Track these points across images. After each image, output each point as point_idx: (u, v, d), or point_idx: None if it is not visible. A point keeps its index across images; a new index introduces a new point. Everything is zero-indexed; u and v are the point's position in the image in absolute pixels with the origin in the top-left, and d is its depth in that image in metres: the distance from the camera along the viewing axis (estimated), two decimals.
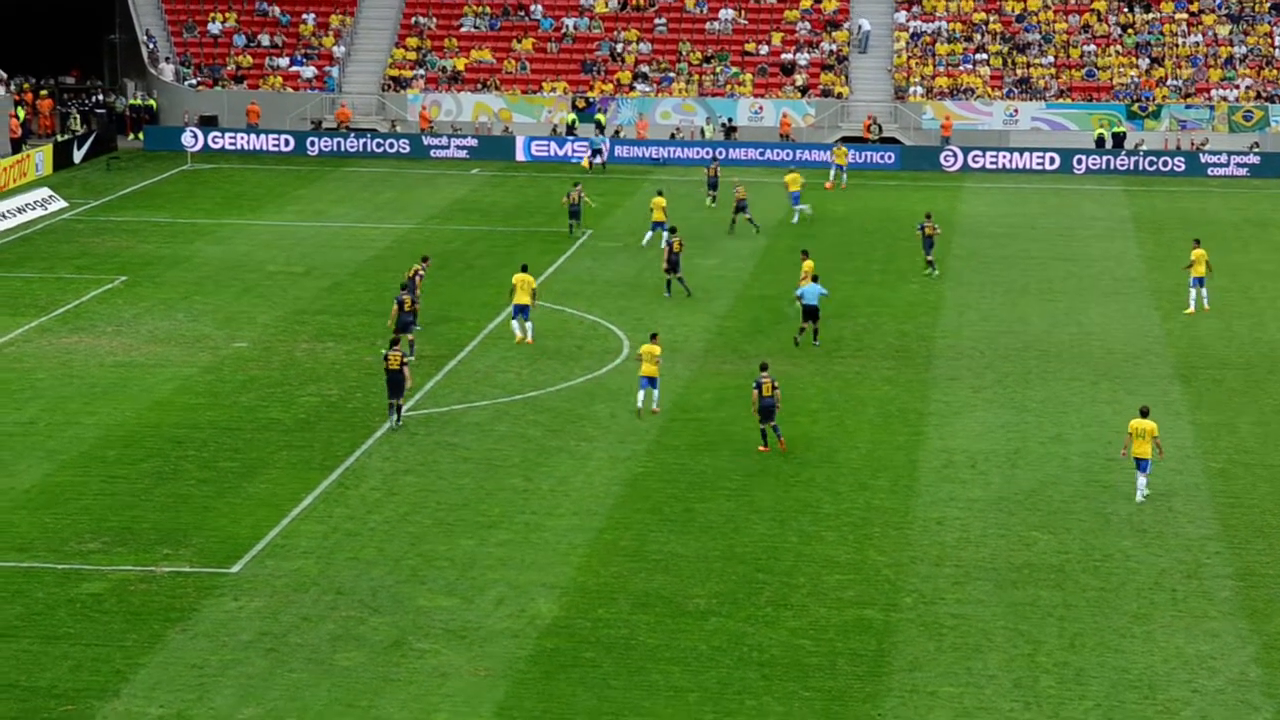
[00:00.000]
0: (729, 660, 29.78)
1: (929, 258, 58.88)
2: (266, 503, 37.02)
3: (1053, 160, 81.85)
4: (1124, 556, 34.56)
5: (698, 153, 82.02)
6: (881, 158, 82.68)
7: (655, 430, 42.19)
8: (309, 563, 33.76)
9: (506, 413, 43.55)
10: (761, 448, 40.46)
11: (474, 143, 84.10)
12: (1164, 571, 33.85)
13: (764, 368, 41.02)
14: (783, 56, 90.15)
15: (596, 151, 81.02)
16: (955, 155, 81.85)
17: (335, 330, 51.42)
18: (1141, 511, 36.93)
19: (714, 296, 55.42)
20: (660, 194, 63.45)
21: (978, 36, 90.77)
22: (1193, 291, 54.30)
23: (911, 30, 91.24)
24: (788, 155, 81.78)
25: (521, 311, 49.24)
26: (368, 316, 52.81)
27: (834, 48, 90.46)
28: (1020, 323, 53.16)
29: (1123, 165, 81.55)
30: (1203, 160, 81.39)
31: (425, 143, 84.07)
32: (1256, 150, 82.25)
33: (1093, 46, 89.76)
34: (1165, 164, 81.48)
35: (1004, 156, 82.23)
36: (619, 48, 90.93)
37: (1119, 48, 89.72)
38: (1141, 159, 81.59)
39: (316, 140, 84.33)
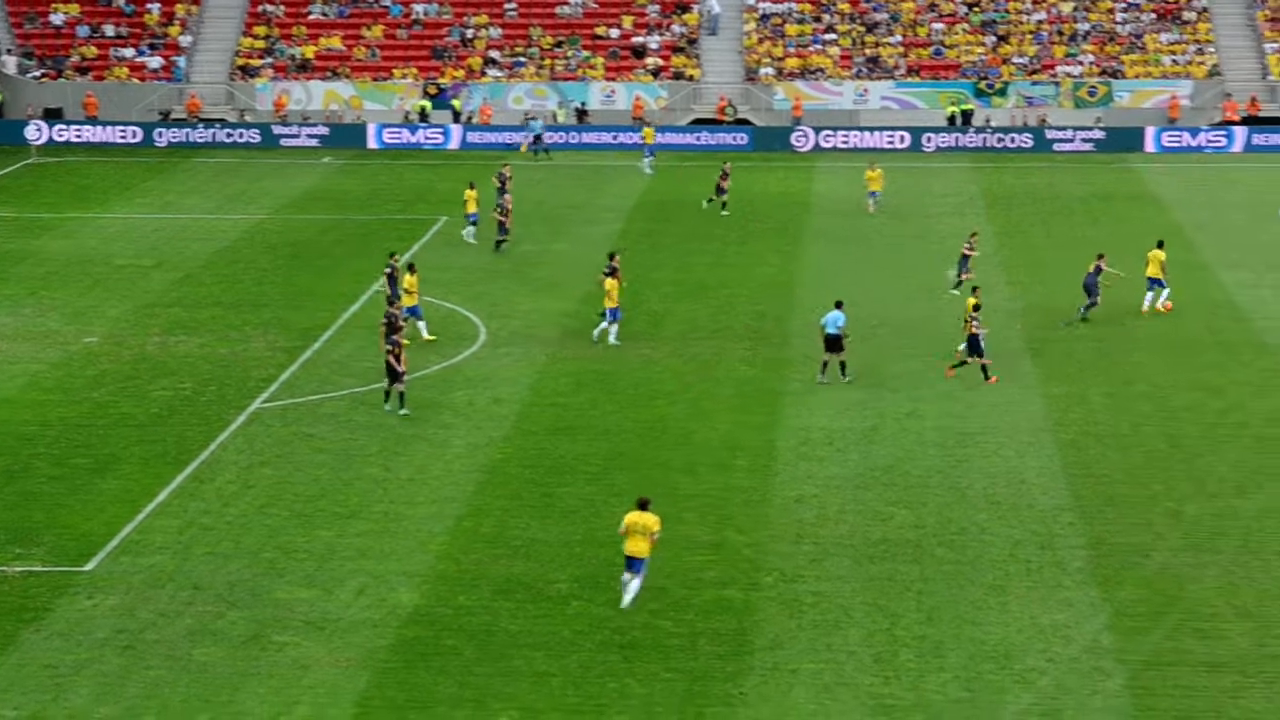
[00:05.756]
0: (591, 644, 29.81)
1: (966, 274, 54.41)
2: (120, 499, 36.54)
3: (903, 139, 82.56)
4: (979, 529, 34.97)
5: (550, 137, 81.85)
6: (734, 139, 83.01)
7: (513, 416, 42.13)
8: (165, 558, 33.38)
9: (363, 402, 43.27)
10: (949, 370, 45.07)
11: (325, 131, 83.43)
12: (1018, 543, 34.29)
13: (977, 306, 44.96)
14: (633, 39, 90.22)
15: (537, 138, 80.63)
16: (807, 135, 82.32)
17: (187, 323, 50.82)
18: (995, 484, 37.37)
19: (568, 281, 55.40)
20: (472, 186, 62.92)
21: (826, 17, 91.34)
22: (1149, 293, 52.07)
23: (761, 11, 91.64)
24: (640, 138, 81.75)
25: None
26: (219, 309, 52.30)
27: (684, 30, 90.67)
28: (874, 301, 53.55)
29: (971, 143, 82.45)
30: (1049, 136, 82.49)
31: (275, 132, 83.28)
32: (1100, 125, 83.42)
33: (940, 25, 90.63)
34: (1013, 140, 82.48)
35: (855, 136, 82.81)
36: (469, 33, 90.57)
37: (966, 26, 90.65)
38: (990, 136, 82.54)
39: (164, 131, 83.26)
